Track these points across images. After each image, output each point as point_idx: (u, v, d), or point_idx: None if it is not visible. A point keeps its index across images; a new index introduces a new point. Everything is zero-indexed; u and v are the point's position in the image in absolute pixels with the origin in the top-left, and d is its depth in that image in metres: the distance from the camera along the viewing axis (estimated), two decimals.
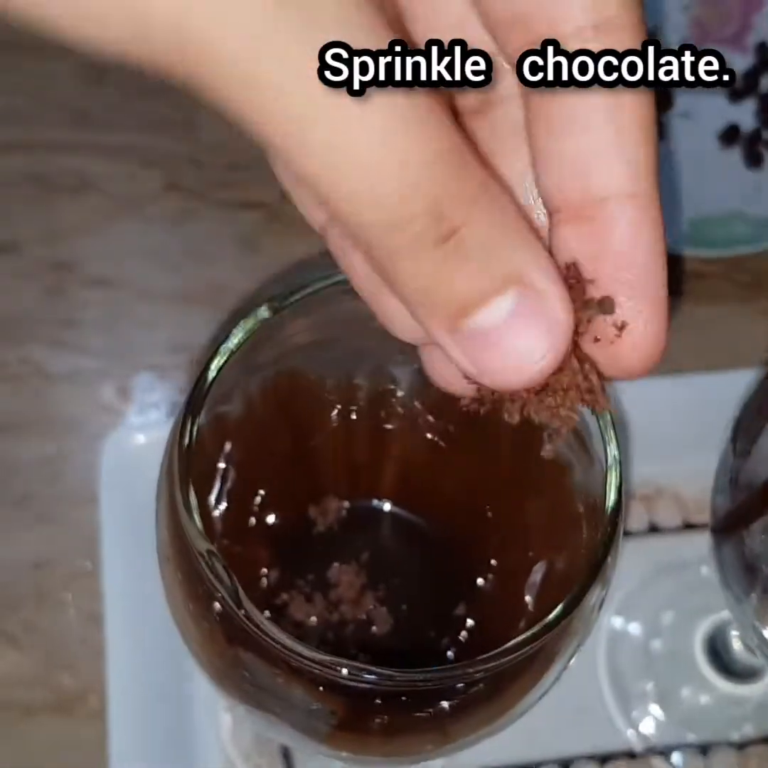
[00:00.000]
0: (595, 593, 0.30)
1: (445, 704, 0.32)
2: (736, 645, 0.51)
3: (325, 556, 0.41)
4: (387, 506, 0.42)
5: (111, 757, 0.48)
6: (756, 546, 0.36)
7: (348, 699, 0.32)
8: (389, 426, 0.40)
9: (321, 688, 0.31)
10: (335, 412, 0.39)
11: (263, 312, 0.32)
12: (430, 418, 0.39)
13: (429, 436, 0.40)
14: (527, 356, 0.20)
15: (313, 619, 0.40)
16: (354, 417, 0.39)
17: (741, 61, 0.66)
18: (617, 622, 0.54)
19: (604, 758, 0.52)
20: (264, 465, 0.39)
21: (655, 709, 0.53)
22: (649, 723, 0.52)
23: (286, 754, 0.50)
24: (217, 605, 0.28)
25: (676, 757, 0.52)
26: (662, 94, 0.65)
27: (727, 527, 0.38)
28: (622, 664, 0.53)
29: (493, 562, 0.39)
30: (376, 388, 0.39)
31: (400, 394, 0.40)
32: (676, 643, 0.54)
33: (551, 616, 0.29)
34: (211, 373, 0.31)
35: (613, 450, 0.31)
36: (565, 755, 0.52)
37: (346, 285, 0.34)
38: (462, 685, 0.30)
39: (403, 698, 0.31)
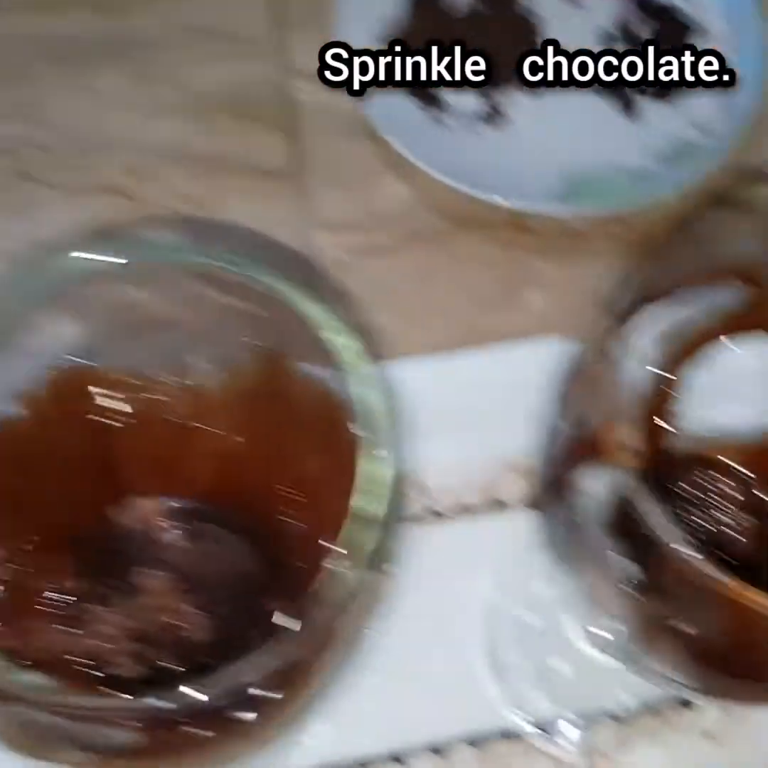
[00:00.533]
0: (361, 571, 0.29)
1: (231, 714, 0.30)
2: None
3: (133, 562, 0.39)
4: (196, 504, 0.40)
5: None
6: (573, 515, 0.34)
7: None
8: (186, 421, 0.38)
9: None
10: (128, 411, 0.37)
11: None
12: (231, 409, 0.37)
13: (228, 428, 0.38)
14: None
15: (121, 629, 0.38)
16: (148, 415, 0.37)
17: (611, 6, 0.64)
18: (492, 597, 0.52)
19: (482, 740, 0.50)
20: (54, 468, 0.37)
21: (531, 686, 0.51)
22: (526, 699, 0.51)
23: None
24: None
25: (555, 733, 0.50)
26: (533, 48, 0.63)
27: (540, 500, 0.36)
28: (496, 640, 0.52)
29: (304, 552, 0.37)
30: (169, 383, 0.37)
31: (194, 386, 0.38)
32: (550, 618, 0.52)
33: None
34: None
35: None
36: (439, 740, 0.50)
37: (123, 269, 0.32)
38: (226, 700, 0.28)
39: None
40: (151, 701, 0.26)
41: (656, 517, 0.28)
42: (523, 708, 0.50)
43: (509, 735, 0.50)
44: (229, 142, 0.61)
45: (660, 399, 0.41)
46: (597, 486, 0.33)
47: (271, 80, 0.63)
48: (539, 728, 0.50)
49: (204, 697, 0.27)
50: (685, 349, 0.40)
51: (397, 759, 0.49)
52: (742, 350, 0.41)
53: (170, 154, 0.60)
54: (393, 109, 0.60)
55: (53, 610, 0.37)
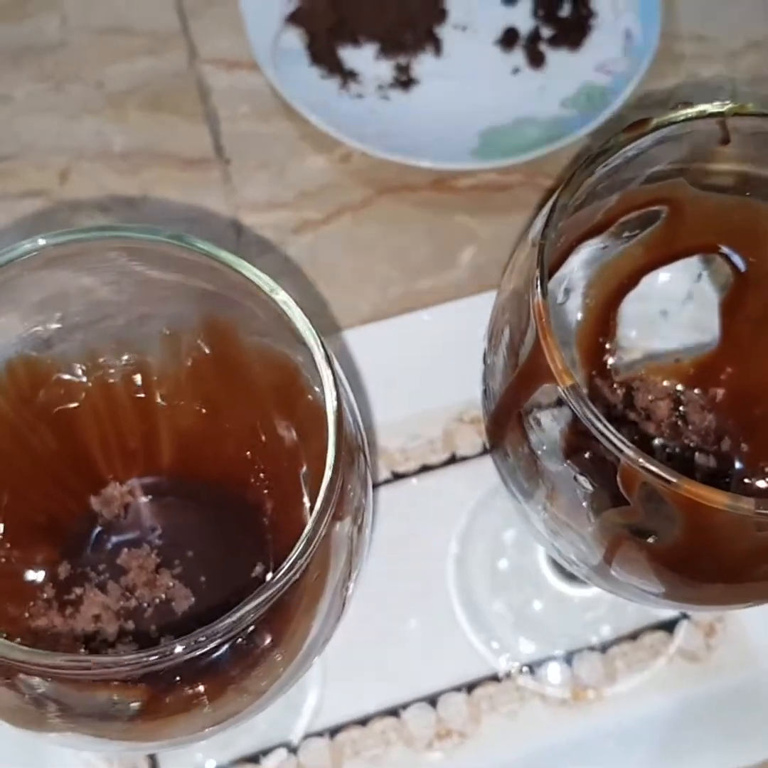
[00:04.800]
0: (337, 524, 0.29)
1: (227, 665, 0.31)
2: None
3: (115, 543, 0.40)
4: (169, 481, 0.40)
5: None
6: (526, 450, 0.35)
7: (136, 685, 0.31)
8: (149, 399, 0.38)
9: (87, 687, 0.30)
10: (90, 395, 0.38)
11: None
12: (188, 385, 0.38)
13: (191, 404, 0.38)
14: None
15: (111, 609, 0.38)
16: (110, 397, 0.38)
17: None
18: (461, 548, 0.53)
19: (470, 686, 0.51)
20: (22, 466, 0.37)
21: (512, 629, 0.52)
22: (509, 643, 0.52)
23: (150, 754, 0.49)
24: None
25: (540, 672, 0.52)
26: (435, 8, 0.64)
27: (494, 439, 0.37)
28: (472, 590, 0.53)
29: (275, 516, 0.38)
30: (126, 363, 0.38)
31: (151, 364, 0.38)
32: (521, 560, 0.53)
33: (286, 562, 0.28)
34: None
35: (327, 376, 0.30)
36: (431, 691, 0.51)
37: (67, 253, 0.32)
38: (227, 642, 0.29)
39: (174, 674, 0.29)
40: (143, 655, 0.27)
41: (605, 429, 0.29)
42: (507, 651, 0.52)
43: (497, 678, 0.51)
44: (149, 136, 0.61)
45: (595, 329, 0.42)
46: (545, 415, 0.34)
47: (180, 71, 0.63)
48: (525, 668, 0.51)
49: (196, 649, 0.27)
50: (616, 279, 0.41)
51: (392, 713, 0.50)
52: (669, 275, 0.42)
53: (91, 153, 0.60)
54: (303, 84, 0.61)
55: (42, 596, 0.37)
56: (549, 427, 0.34)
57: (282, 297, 0.31)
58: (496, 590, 0.53)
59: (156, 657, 0.27)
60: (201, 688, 0.32)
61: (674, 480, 0.29)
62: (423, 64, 0.63)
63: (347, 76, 0.62)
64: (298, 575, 0.29)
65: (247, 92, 0.62)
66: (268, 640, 0.32)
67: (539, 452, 0.35)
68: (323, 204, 0.60)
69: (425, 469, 0.55)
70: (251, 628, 0.29)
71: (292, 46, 0.62)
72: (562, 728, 0.51)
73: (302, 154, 0.61)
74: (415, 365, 0.56)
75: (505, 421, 0.35)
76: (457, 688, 0.51)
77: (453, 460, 0.55)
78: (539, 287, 0.31)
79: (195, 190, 0.60)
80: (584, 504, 0.34)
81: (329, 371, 0.30)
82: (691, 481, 0.29)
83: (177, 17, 0.64)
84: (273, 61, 0.60)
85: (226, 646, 0.30)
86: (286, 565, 0.28)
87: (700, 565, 0.33)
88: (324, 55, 0.62)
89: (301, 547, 0.29)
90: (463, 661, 0.52)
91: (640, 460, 0.29)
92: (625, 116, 0.61)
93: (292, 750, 0.50)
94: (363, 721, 0.50)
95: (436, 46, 0.63)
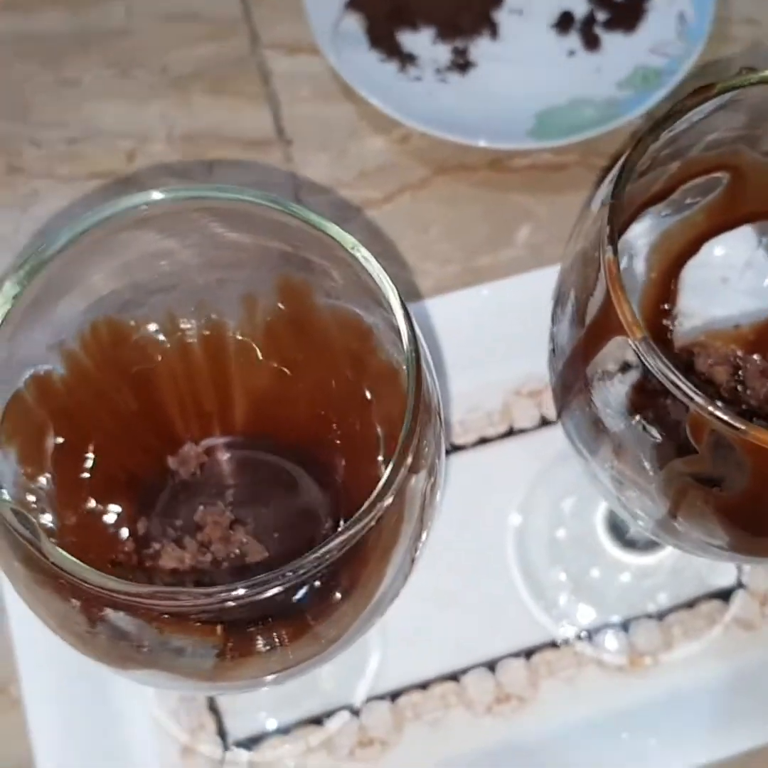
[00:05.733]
0: (413, 477, 0.31)
1: (301, 605, 0.32)
2: None
3: (191, 500, 0.41)
4: (243, 440, 0.42)
5: (34, 741, 0.48)
6: (592, 408, 0.36)
7: (219, 625, 0.32)
8: (225, 360, 0.40)
9: (175, 617, 0.31)
10: (168, 356, 0.39)
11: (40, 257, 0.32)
12: (263, 347, 0.39)
13: (266, 365, 0.40)
14: None
15: (188, 563, 0.40)
16: (188, 358, 0.39)
17: None
18: (520, 518, 0.54)
19: (529, 653, 0.52)
20: (107, 424, 0.38)
21: (570, 597, 0.53)
22: (568, 611, 0.53)
23: (213, 708, 0.51)
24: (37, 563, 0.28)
25: (598, 639, 0.52)
26: None
27: (561, 397, 0.38)
28: (531, 559, 0.54)
29: (347, 474, 0.39)
30: (204, 325, 0.39)
31: (229, 328, 0.39)
32: (579, 529, 0.54)
33: (364, 505, 0.29)
34: None
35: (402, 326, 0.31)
36: (490, 657, 0.52)
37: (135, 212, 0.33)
38: (307, 582, 0.30)
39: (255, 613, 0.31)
40: (231, 587, 0.28)
41: (675, 378, 0.30)
42: (565, 618, 0.53)
43: (555, 645, 0.52)
44: (212, 119, 0.63)
45: (656, 296, 0.43)
46: (611, 371, 0.35)
47: (243, 56, 0.65)
48: (583, 635, 0.52)
49: (283, 584, 0.28)
50: (678, 246, 0.42)
51: (452, 678, 0.51)
52: (729, 242, 0.43)
53: (156, 136, 0.62)
54: (363, 67, 0.62)
55: (123, 549, 0.39)
56: (616, 381, 0.35)
57: (363, 253, 0.32)
58: (554, 559, 0.54)
59: (244, 590, 0.28)
60: (277, 630, 0.33)
61: (743, 427, 0.30)
62: (480, 48, 0.64)
63: (406, 59, 0.63)
64: (379, 514, 0.30)
65: (307, 75, 0.64)
66: (344, 584, 0.33)
67: (606, 408, 0.36)
68: (382, 184, 0.62)
69: (483, 441, 0.56)
70: (331, 568, 0.31)
71: (352, 31, 0.63)
72: (618, 694, 0.52)
73: (362, 135, 0.63)
74: (474, 339, 0.57)
75: (573, 379, 0.36)
76: (516, 654, 0.52)
77: (511, 432, 0.56)
78: (610, 244, 0.32)
79: (257, 170, 0.61)
80: (650, 456, 0.35)
81: (407, 321, 0.31)
82: (758, 427, 0.30)
83: (239, 4, 0.66)
84: (333, 45, 0.62)
85: (305, 587, 0.31)
86: (367, 505, 0.30)
87: (766, 514, 0.34)
88: (383, 39, 0.63)
89: (380, 489, 0.30)
90: (522, 627, 0.53)
91: (709, 407, 0.30)
92: (679, 98, 0.61)
93: (355, 712, 0.51)
94: (423, 685, 0.52)
95: (493, 30, 0.64)
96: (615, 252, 0.32)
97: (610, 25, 0.64)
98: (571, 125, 0.61)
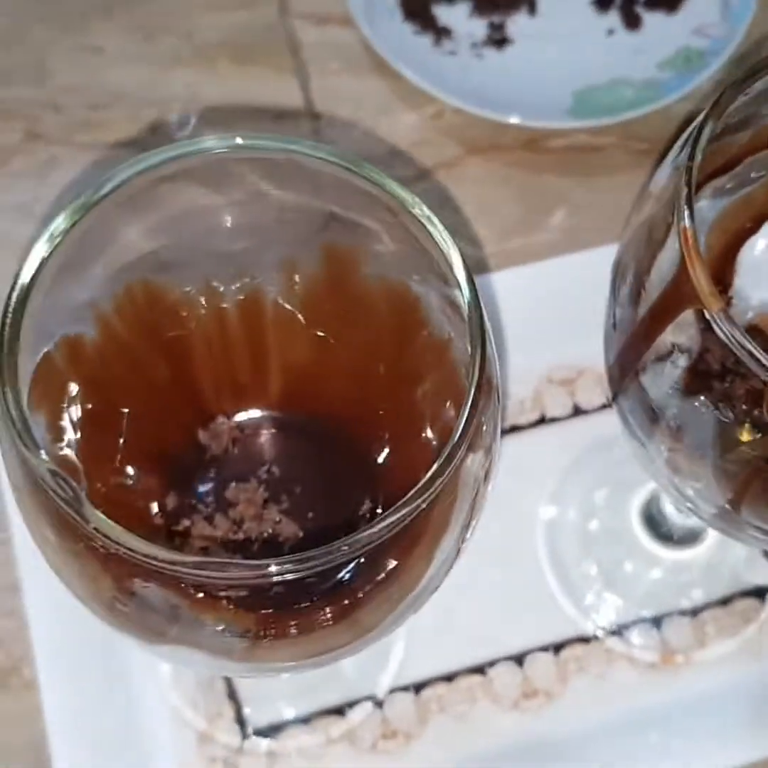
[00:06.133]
0: (470, 456, 0.29)
1: (344, 587, 0.30)
2: (671, 510, 0.50)
3: (223, 476, 0.39)
4: (277, 415, 0.40)
5: (48, 724, 0.47)
6: (650, 390, 0.34)
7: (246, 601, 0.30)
8: (263, 329, 0.38)
9: (209, 596, 0.29)
10: (203, 322, 0.37)
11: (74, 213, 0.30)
12: (303, 315, 0.37)
13: (306, 334, 0.38)
14: None
15: (218, 542, 0.38)
16: (223, 325, 0.37)
17: None
18: (552, 509, 0.52)
19: (558, 647, 0.51)
20: (138, 392, 0.37)
21: (602, 590, 0.51)
22: (598, 605, 0.51)
23: (232, 695, 0.49)
24: (71, 526, 0.26)
25: (629, 635, 0.51)
26: None
27: (619, 377, 0.36)
28: (562, 551, 0.52)
29: (389, 453, 0.38)
30: (242, 290, 0.37)
31: (268, 294, 0.37)
32: (612, 521, 0.53)
33: (422, 480, 0.27)
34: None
35: (467, 297, 0.29)
36: (518, 650, 0.50)
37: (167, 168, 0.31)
38: (353, 560, 0.28)
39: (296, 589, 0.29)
40: (276, 561, 0.26)
41: (755, 350, 0.28)
42: (595, 613, 0.51)
43: (585, 640, 0.50)
44: (238, 88, 0.61)
45: (714, 273, 0.41)
46: (682, 346, 0.33)
47: (271, 24, 0.63)
48: (613, 630, 0.50)
49: (333, 561, 0.26)
50: (738, 222, 0.40)
51: (478, 671, 0.50)
52: None
53: (181, 104, 0.60)
54: (396, 40, 0.60)
55: (152, 523, 0.37)
56: (679, 360, 0.33)
57: (426, 212, 0.30)
58: (586, 551, 0.52)
59: (291, 564, 0.27)
60: (320, 610, 0.32)
61: None
62: (517, 24, 0.62)
63: (441, 32, 0.61)
64: (435, 494, 0.28)
65: (337, 47, 0.62)
66: (390, 569, 0.31)
67: (667, 388, 0.34)
68: (414, 161, 0.60)
69: (514, 429, 0.54)
70: (380, 547, 0.29)
71: (386, 2, 0.62)
72: (649, 691, 0.50)
73: (393, 110, 0.61)
74: (504, 324, 0.56)
75: (634, 358, 0.35)
76: (544, 648, 0.50)
77: (543, 421, 0.55)
78: (687, 209, 0.30)
79: None
80: (713, 440, 0.33)
81: (470, 285, 0.29)
82: None
83: None
84: (366, 15, 0.60)
85: (352, 566, 0.29)
86: (423, 482, 0.28)
87: None
88: (418, 11, 0.61)
89: (439, 465, 0.28)
90: (551, 621, 0.51)
91: None
92: (721, 80, 0.60)
93: (378, 703, 0.49)
94: (449, 678, 0.50)
95: (531, 5, 0.62)
96: (692, 217, 0.30)
97: (652, 4, 0.63)
98: (610, 106, 0.59)
